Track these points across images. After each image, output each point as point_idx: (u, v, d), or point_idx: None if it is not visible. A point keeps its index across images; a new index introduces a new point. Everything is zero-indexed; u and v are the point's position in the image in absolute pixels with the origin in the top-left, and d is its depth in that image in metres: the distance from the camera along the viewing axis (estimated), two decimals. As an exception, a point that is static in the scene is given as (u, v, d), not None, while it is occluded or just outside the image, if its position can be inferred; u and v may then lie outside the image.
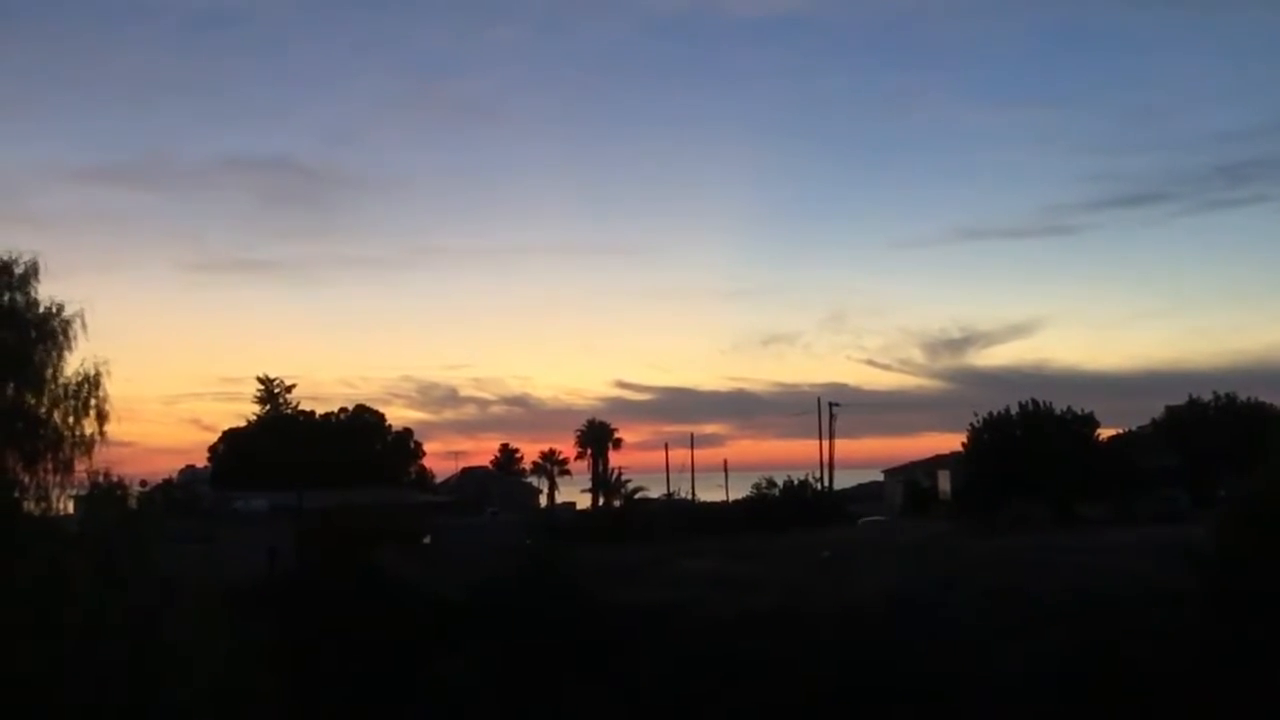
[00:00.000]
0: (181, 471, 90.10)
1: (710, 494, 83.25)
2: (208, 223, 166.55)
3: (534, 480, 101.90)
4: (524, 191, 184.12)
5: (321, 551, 32.94)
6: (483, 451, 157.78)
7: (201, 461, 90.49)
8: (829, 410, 73.17)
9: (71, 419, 15.77)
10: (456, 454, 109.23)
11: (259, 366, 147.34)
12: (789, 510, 58.81)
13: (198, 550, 33.41)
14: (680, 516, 62.34)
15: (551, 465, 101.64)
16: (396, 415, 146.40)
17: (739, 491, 74.72)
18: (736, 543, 45.05)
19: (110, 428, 15.97)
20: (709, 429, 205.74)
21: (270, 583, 29.53)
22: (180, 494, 73.40)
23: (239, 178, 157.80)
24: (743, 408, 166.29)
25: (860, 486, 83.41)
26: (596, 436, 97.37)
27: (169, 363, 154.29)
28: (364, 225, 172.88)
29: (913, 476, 67.71)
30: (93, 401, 15.95)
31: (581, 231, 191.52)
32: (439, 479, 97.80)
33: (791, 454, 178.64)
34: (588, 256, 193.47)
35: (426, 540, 54.96)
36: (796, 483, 64.09)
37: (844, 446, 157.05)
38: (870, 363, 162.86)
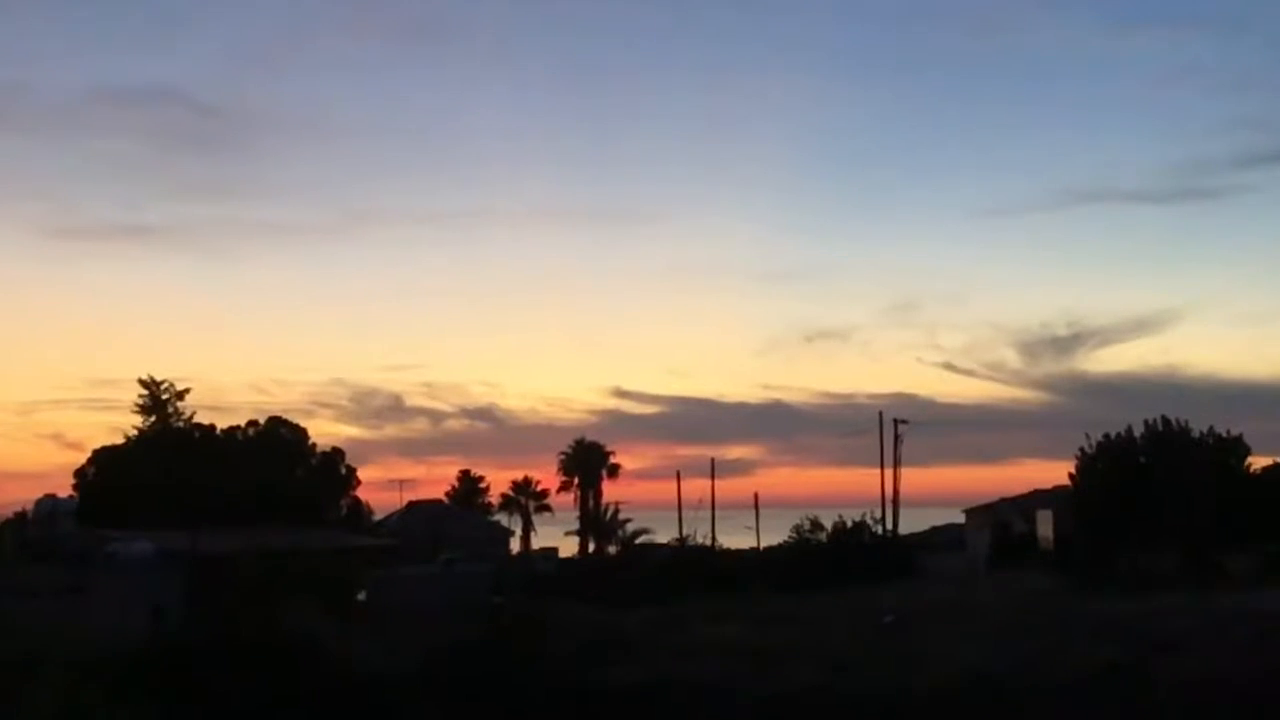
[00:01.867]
0: (39, 502, 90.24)
1: (736, 538, 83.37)
2: (74, 175, 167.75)
3: (503, 518, 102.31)
4: (494, 139, 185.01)
5: (223, 611, 33.00)
6: (436, 480, 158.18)
7: (65, 489, 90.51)
8: (894, 429, 73.21)
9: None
10: (401, 483, 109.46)
11: (141, 365, 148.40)
12: (839, 560, 58.98)
13: (59, 607, 33.53)
14: (696, 568, 62.47)
15: (527, 499, 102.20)
16: (323, 431, 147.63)
17: (774, 535, 74.93)
18: (769, 602, 45.12)
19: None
20: (735, 452, 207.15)
21: (155, 651, 29.57)
22: (36, 532, 73.63)
23: (115, 116, 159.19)
24: (780, 425, 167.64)
25: (934, 530, 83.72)
26: (586, 461, 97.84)
27: (22, 359, 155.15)
28: (280, 180, 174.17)
29: (1003, 517, 68.00)
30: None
31: (569, 192, 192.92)
32: (378, 515, 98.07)
33: (843, 487, 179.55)
34: (577, 225, 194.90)
35: (361, 596, 55.07)
36: (850, 524, 64.39)
37: (913, 477, 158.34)
38: (948, 367, 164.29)
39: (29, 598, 41.12)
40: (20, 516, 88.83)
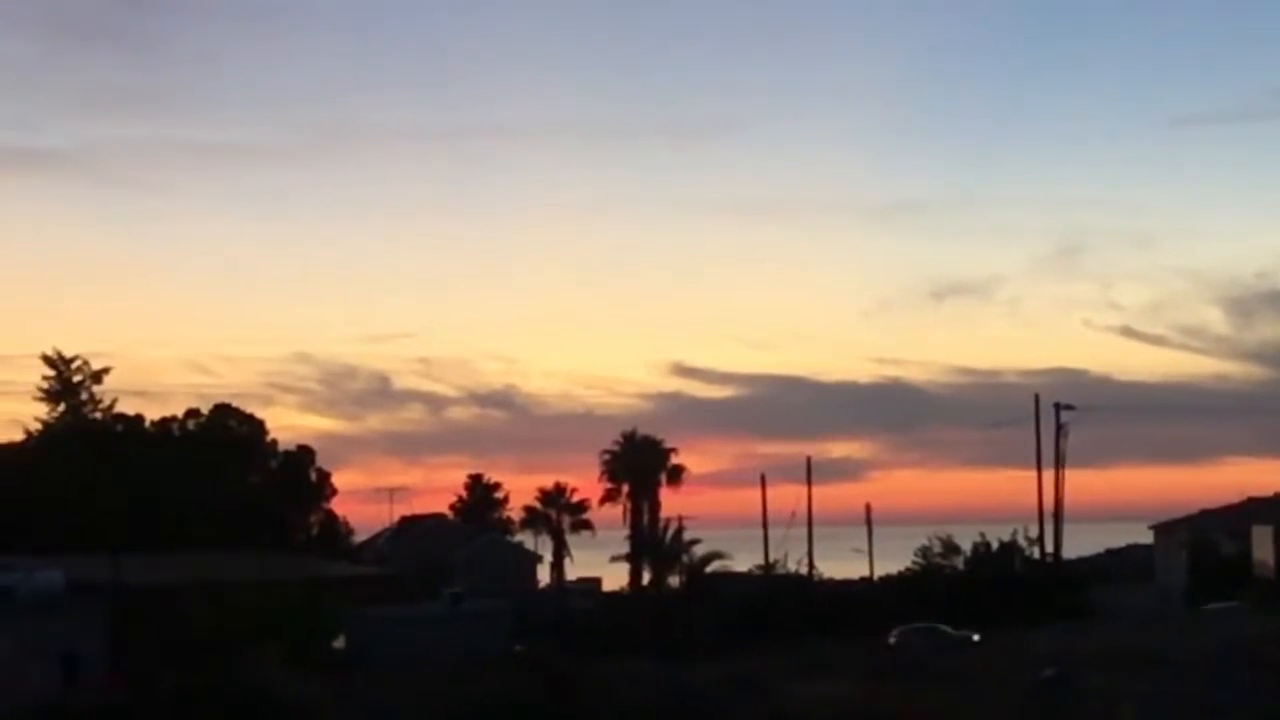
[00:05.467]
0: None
1: (842, 564, 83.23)
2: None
3: (528, 539, 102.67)
4: (511, 35, 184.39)
5: (156, 662, 33.34)
6: (436, 488, 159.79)
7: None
8: (1055, 418, 72.72)
9: None
10: (391, 492, 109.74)
11: (44, 337, 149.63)
12: (981, 594, 58.80)
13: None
14: (789, 605, 62.45)
15: (558, 513, 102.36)
16: (285, 423, 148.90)
17: (893, 559, 74.66)
18: (888, 649, 45.04)
19: None
20: (838, 449, 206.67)
21: (68, 715, 29.96)
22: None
23: None
24: (899, 413, 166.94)
25: (1111, 554, 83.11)
26: (639, 463, 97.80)
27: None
28: (224, 88, 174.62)
29: (1206, 536, 67.33)
30: None
31: (613, 103, 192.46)
32: (361, 535, 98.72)
33: (986, 495, 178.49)
34: (621, 146, 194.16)
35: (338, 644, 55.51)
36: (996, 546, 64.09)
37: (1081, 482, 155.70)
38: (1128, 332, 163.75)
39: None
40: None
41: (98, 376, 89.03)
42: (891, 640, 42.70)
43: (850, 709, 34.18)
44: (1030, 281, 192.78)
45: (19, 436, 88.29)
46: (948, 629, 51.36)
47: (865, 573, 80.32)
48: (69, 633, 46.88)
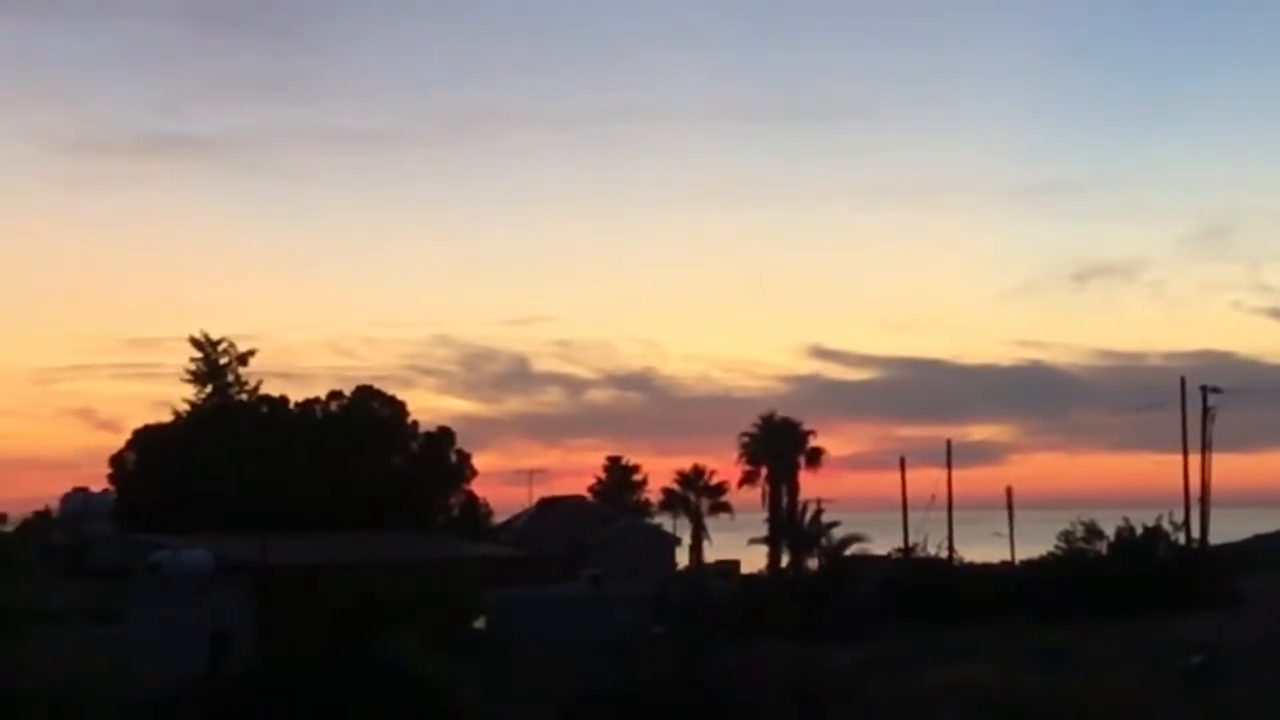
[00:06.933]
0: (66, 498, 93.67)
1: (982, 548, 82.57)
2: (93, 70, 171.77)
3: (666, 521, 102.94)
4: (649, 17, 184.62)
5: (301, 640, 33.83)
6: (575, 470, 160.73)
7: (99, 482, 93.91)
8: (1202, 401, 71.62)
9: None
10: (531, 474, 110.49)
11: (191, 320, 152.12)
12: (1125, 580, 58.22)
13: (94, 636, 34.76)
14: (928, 589, 62.15)
15: (697, 495, 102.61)
16: (426, 405, 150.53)
17: (1034, 545, 73.99)
18: (1029, 635, 44.74)
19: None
20: (979, 433, 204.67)
21: (216, 692, 30.48)
22: (63, 536, 76.42)
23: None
24: (1041, 396, 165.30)
25: (1260, 539, 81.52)
26: (777, 445, 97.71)
27: (36, 312, 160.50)
28: (367, 73, 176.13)
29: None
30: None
31: (752, 85, 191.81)
32: (500, 517, 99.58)
33: (1130, 480, 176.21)
34: (760, 128, 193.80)
35: (479, 624, 56.15)
36: (1140, 531, 63.52)
37: (1230, 466, 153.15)
38: (1278, 314, 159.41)
39: (54, 623, 42.69)
40: (42, 516, 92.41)
41: (243, 359, 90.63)
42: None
43: (989, 694, 34.00)
44: (1176, 262, 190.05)
45: (168, 418, 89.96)
46: None
47: (1006, 557, 79.67)
48: (216, 611, 47.81)
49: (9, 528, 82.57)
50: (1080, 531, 64.57)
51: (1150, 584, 57.94)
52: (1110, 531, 64.06)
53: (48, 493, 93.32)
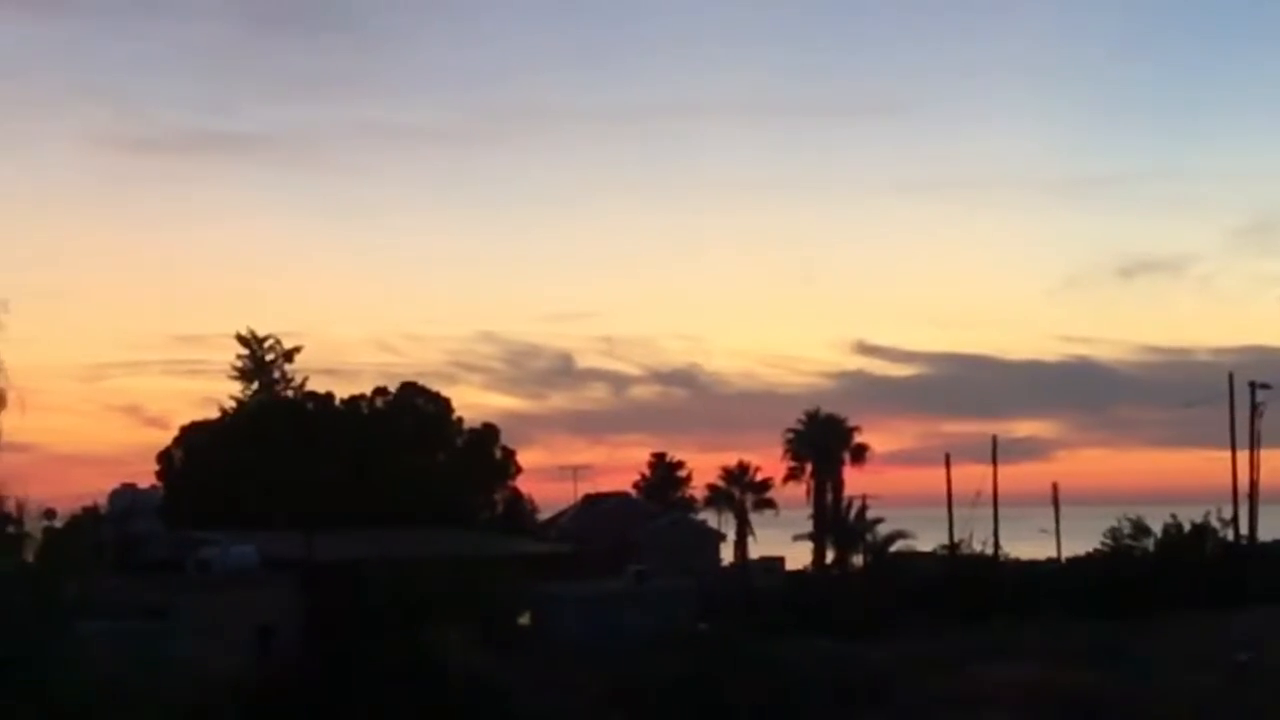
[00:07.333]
0: (114, 495, 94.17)
1: (1028, 545, 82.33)
2: (143, 69, 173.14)
3: (711, 517, 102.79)
4: (694, 10, 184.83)
5: (346, 635, 33.98)
6: (620, 466, 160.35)
7: (146, 479, 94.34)
8: (1250, 396, 71.19)
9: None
10: (575, 470, 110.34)
11: (237, 317, 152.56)
12: (1173, 577, 57.96)
13: (142, 632, 34.97)
14: (974, 585, 62.05)
15: (742, 491, 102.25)
16: (470, 401, 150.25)
17: (1080, 541, 73.75)
18: (1075, 632, 44.65)
19: (7, 419, 16.81)
20: (1024, 429, 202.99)
21: (264, 687, 30.69)
22: (111, 534, 76.89)
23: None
24: (1086, 391, 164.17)
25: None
26: (822, 441, 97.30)
27: (84, 310, 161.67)
28: (414, 69, 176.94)
29: None
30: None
31: (796, 80, 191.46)
32: (545, 513, 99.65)
33: (1177, 476, 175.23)
34: (803, 123, 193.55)
35: (524, 620, 56.26)
36: (1188, 527, 63.19)
37: (1278, 461, 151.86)
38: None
39: (102, 618, 43.00)
40: (91, 512, 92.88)
41: (289, 355, 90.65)
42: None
43: (1033, 689, 33.96)
44: (1224, 257, 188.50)
45: (215, 414, 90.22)
46: None
47: (1052, 554, 79.41)
48: (263, 606, 48.10)
49: (58, 523, 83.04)
50: (1127, 528, 64.32)
51: (1198, 581, 57.69)
52: (1158, 528, 63.79)
53: (96, 489, 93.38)
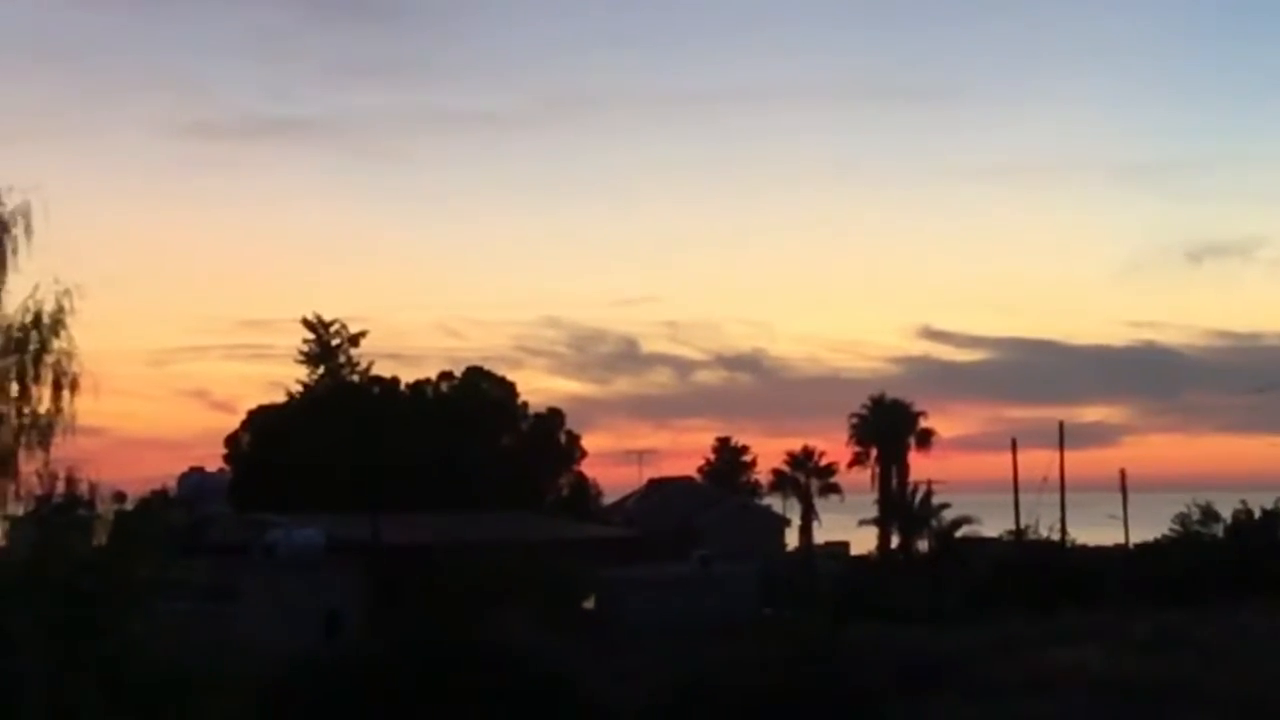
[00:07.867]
0: (181, 478, 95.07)
1: (1095, 531, 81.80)
2: (206, 55, 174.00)
3: (775, 502, 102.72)
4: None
5: (415, 620, 34.15)
6: (684, 451, 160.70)
7: (214, 462, 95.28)
8: (1321, 381, 70.46)
9: (15, 386, 16.76)
10: (640, 455, 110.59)
11: (303, 301, 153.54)
12: (1243, 563, 57.53)
13: (209, 614, 35.19)
14: (1041, 571, 61.71)
15: (806, 477, 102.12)
16: (535, 385, 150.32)
17: (1149, 528, 73.23)
18: (1142, 619, 44.39)
19: (79, 403, 16.91)
20: (1092, 414, 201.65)
21: (330, 671, 30.85)
22: (180, 517, 77.57)
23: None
24: (1154, 377, 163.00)
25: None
26: (887, 426, 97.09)
27: (151, 294, 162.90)
28: (471, 54, 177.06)
29: None
30: (48, 357, 16.87)
31: (860, 65, 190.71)
32: (609, 498, 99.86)
33: (1248, 462, 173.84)
34: (870, 109, 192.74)
35: (589, 604, 56.36)
36: (1259, 514, 62.66)
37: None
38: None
39: (170, 600, 43.36)
40: (160, 495, 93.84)
41: (355, 340, 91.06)
42: None
43: (1105, 678, 33.76)
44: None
45: (281, 398, 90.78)
46: None
47: (1120, 540, 78.90)
48: (329, 590, 48.34)
49: (127, 510, 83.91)
50: (1196, 514, 63.84)
51: (1268, 568, 57.24)
52: (1227, 514, 63.29)
53: (165, 472, 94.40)
